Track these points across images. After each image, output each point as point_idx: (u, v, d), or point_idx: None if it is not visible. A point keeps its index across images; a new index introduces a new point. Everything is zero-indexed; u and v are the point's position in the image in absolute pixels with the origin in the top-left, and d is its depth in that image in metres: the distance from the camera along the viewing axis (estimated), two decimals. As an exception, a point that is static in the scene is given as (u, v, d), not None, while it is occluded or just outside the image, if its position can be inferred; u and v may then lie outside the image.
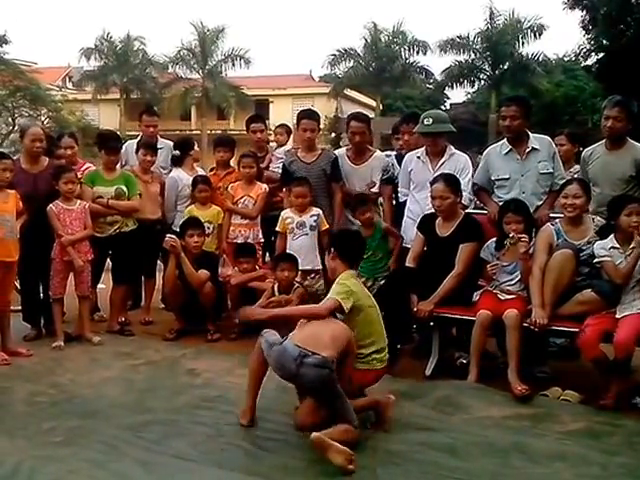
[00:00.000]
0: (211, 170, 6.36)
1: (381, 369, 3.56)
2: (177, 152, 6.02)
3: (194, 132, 33.39)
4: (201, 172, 6.13)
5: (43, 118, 27.67)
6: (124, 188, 5.32)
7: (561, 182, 4.42)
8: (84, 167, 5.77)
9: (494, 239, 4.32)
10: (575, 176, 4.66)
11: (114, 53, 35.45)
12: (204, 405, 3.80)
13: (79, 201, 5.08)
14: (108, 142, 5.51)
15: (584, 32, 21.09)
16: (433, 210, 4.48)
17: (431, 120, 4.74)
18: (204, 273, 5.12)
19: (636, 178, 4.36)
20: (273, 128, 6.98)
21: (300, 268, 5.00)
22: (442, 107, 34.57)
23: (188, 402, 3.85)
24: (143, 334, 5.35)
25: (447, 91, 37.22)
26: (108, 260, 5.49)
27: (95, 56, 35.41)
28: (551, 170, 4.53)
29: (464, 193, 4.67)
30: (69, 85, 38.82)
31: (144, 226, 5.48)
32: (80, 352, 4.82)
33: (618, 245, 3.89)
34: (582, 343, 3.79)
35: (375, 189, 5.27)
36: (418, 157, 4.90)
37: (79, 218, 5.00)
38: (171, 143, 6.31)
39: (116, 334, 5.28)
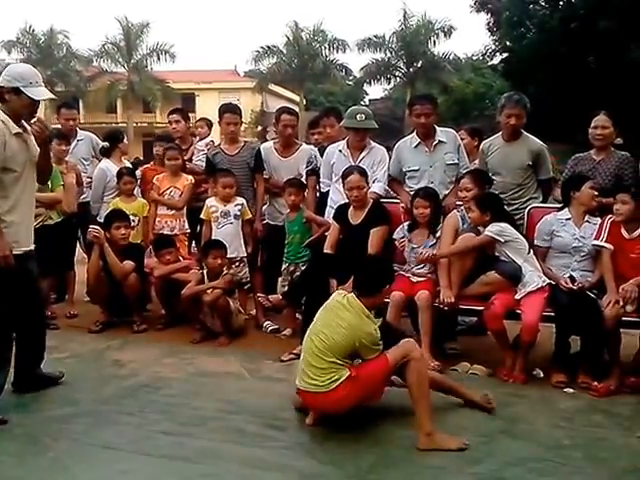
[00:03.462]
0: (143, 162, 6.34)
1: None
2: (106, 143, 5.99)
3: (120, 125, 32.72)
4: (128, 165, 6.11)
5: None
6: None
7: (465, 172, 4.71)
8: None
9: (408, 222, 4.58)
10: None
11: (37, 46, 34.53)
12: (130, 394, 3.85)
13: None
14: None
15: (489, 34, 22.73)
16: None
17: (364, 116, 4.93)
18: (129, 264, 5.11)
19: (532, 167, 4.71)
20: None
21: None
22: (362, 102, 35.35)
23: (114, 392, 3.89)
24: (68, 327, 5.29)
25: (366, 87, 38.13)
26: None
27: (17, 49, 34.29)
28: (457, 161, 4.81)
29: (380, 184, 4.90)
30: (-11, 78, 37.09)
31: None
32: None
33: None
34: (487, 316, 4.08)
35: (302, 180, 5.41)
36: (340, 150, 5.05)
37: None
38: (92, 135, 6.28)
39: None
